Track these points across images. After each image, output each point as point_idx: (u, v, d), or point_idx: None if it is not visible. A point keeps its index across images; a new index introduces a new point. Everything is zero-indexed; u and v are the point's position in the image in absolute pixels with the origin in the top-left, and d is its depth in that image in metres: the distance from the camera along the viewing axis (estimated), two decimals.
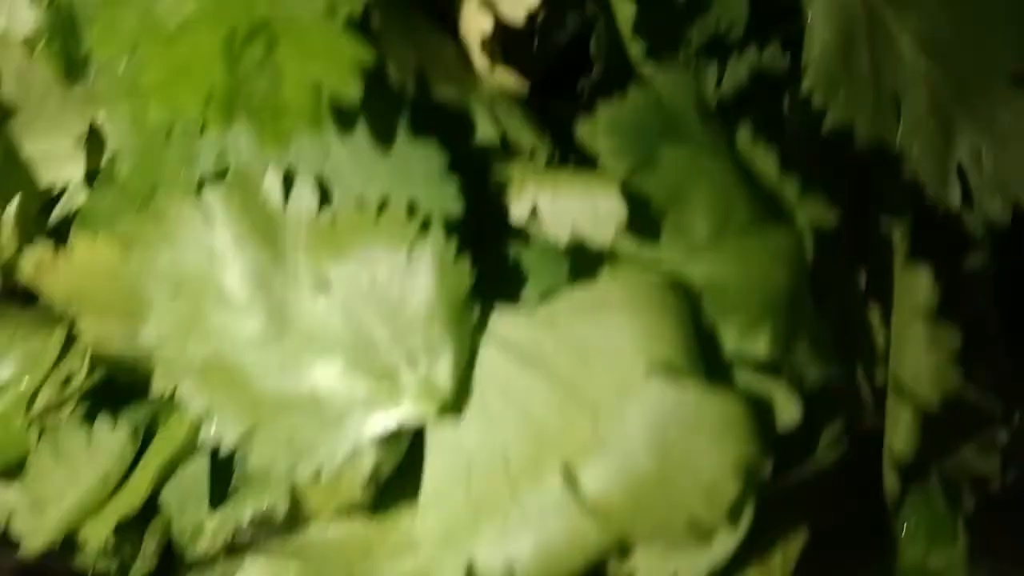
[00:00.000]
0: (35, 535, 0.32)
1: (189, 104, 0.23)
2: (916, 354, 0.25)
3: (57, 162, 0.32)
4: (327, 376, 0.26)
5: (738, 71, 0.27)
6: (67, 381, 0.33)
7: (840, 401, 0.25)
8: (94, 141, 0.31)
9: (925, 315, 0.25)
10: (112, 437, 0.31)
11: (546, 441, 0.24)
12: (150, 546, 0.32)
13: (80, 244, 0.28)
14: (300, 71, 0.23)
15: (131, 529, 0.32)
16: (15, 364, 0.34)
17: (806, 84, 0.26)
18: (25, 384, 0.34)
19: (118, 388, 0.31)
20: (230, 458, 0.30)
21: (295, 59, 0.23)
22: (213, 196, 0.26)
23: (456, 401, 0.25)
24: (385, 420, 0.25)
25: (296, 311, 0.26)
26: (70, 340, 0.33)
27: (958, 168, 0.27)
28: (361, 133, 0.25)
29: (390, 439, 0.26)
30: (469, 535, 0.24)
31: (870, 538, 0.28)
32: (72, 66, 0.30)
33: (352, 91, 0.23)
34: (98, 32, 0.25)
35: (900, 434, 0.25)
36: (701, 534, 0.23)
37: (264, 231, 0.26)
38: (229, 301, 0.26)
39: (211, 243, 0.26)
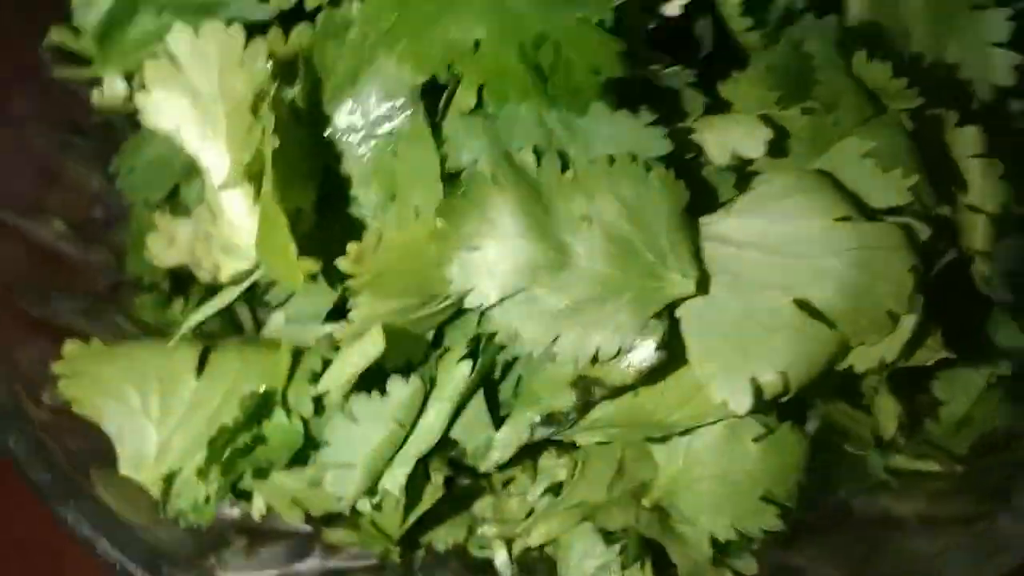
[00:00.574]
0: (346, 489, 0.39)
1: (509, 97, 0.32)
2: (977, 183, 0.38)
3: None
4: (603, 284, 0.35)
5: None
6: (312, 377, 0.40)
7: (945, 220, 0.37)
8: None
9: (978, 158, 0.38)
10: (401, 392, 0.39)
11: (775, 288, 0.35)
12: (439, 478, 0.40)
13: (390, 237, 0.36)
14: (584, 62, 0.33)
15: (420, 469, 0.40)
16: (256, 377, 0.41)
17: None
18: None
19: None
20: (495, 392, 0.39)
21: (578, 54, 0.33)
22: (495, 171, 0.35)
23: (700, 279, 0.36)
24: (655, 305, 0.35)
25: (567, 244, 0.35)
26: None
27: None
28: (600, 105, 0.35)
29: (658, 317, 0.36)
30: (744, 364, 0.35)
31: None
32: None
33: (619, 71, 0.33)
34: (412, 54, 0.33)
35: (980, 237, 0.38)
36: (894, 323, 0.35)
37: (528, 189, 0.35)
38: (516, 243, 0.35)
39: (495, 203, 0.35)
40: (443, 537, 0.44)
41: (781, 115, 0.37)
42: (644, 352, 0.36)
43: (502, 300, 0.35)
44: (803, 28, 0.38)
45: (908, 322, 0.36)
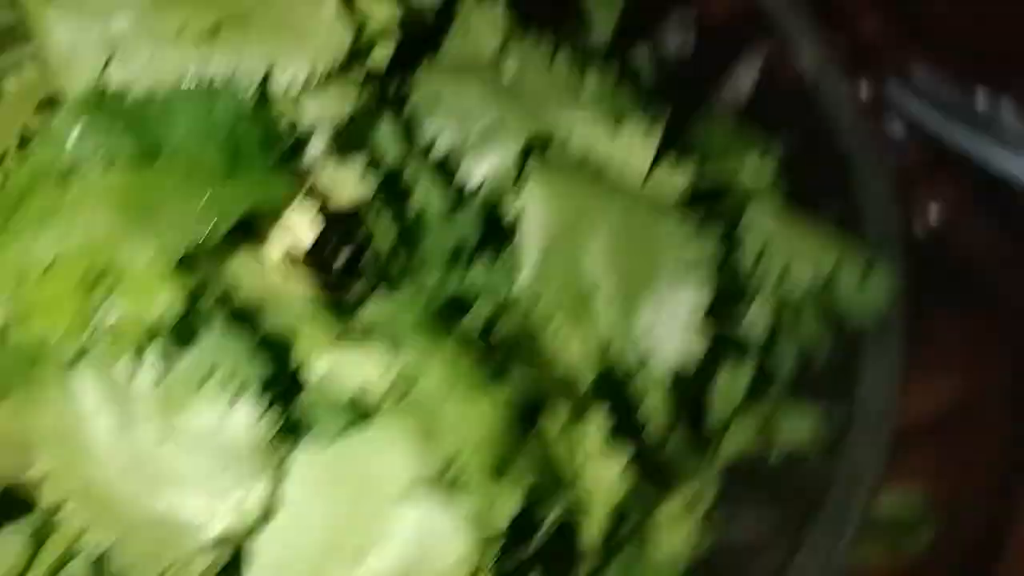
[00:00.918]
0: None
1: (54, 332, 0.33)
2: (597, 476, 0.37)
3: None
4: (172, 501, 0.36)
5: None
6: None
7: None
8: None
9: (600, 445, 0.36)
10: (11, 540, 0.40)
11: (339, 536, 0.35)
12: None
13: None
14: (133, 306, 0.34)
15: None
16: None
17: (520, 284, 0.38)
18: None
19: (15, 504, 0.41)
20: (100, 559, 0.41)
21: (130, 298, 0.34)
22: (79, 379, 0.36)
23: (262, 519, 0.36)
24: (212, 534, 0.36)
25: (146, 455, 0.36)
26: None
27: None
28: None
29: (217, 544, 0.36)
30: None
31: None
32: None
33: (171, 315, 0.34)
34: None
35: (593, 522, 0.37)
36: None
37: (119, 400, 0.36)
38: (96, 451, 0.36)
39: (79, 410, 0.36)
40: None
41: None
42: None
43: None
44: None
45: None
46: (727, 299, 0.41)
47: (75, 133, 0.36)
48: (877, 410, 0.41)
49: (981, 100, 0.69)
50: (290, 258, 0.37)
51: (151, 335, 0.34)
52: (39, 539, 0.41)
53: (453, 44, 0.43)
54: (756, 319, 0.42)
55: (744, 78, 0.52)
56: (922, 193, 0.73)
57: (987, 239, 0.68)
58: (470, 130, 0.41)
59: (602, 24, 0.53)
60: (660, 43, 0.55)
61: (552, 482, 0.37)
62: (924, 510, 0.63)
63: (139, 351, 0.35)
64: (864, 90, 0.70)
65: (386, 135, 0.39)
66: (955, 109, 0.69)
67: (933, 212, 0.73)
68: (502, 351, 0.38)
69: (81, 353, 0.35)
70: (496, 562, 0.35)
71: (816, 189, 0.47)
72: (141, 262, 0.34)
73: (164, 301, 0.33)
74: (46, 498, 0.37)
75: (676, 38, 0.55)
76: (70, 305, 0.34)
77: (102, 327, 0.33)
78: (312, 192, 0.37)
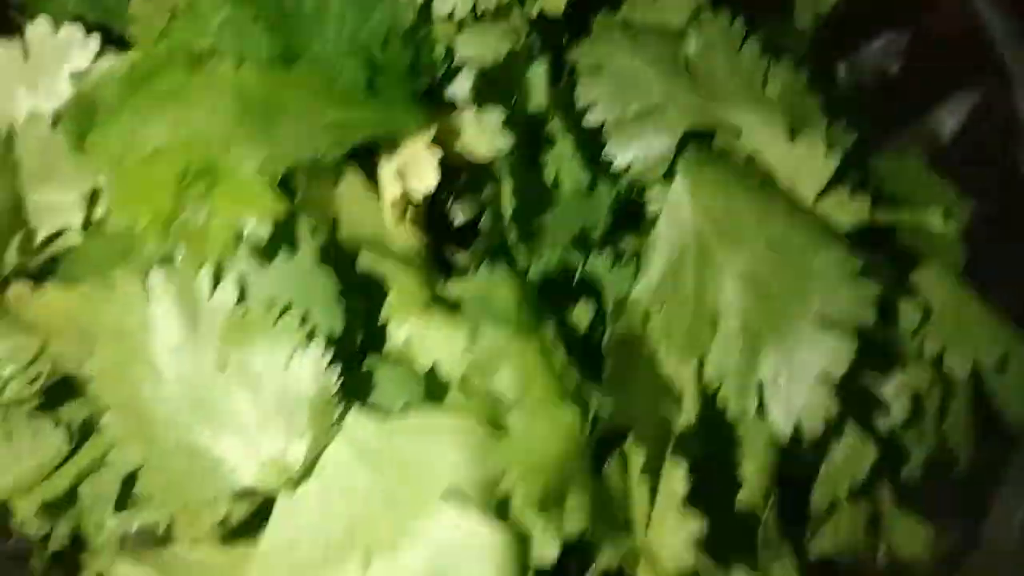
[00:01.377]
0: None
1: (141, 220, 0.31)
2: (665, 533, 0.32)
3: (60, 212, 0.40)
4: (210, 435, 0.34)
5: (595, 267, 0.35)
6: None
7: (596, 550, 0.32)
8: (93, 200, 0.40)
9: (678, 503, 0.32)
10: (53, 432, 0.39)
11: (357, 527, 0.32)
12: (63, 528, 0.41)
13: (53, 289, 0.36)
14: (226, 212, 0.31)
15: (54, 512, 0.40)
16: None
17: (637, 292, 0.34)
18: None
19: (66, 393, 0.40)
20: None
21: (224, 202, 0.31)
22: (156, 277, 0.34)
23: (299, 480, 0.33)
24: (241, 481, 0.33)
25: (199, 379, 0.34)
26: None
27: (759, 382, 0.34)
28: (280, 255, 0.33)
29: (243, 494, 0.34)
30: None
31: None
32: (82, 142, 0.38)
33: (262, 232, 0.31)
34: (95, 139, 0.33)
35: None
36: None
37: (190, 313, 0.34)
38: (152, 359, 0.34)
39: (145, 311, 0.34)
40: None
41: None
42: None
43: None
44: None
45: None
46: (871, 365, 0.35)
47: (218, 19, 0.33)
48: (1009, 540, 0.35)
49: None
50: (403, 203, 0.34)
51: (237, 248, 0.31)
52: (83, 435, 0.39)
53: (636, 9, 0.39)
54: (896, 397, 0.36)
55: (952, 115, 0.46)
56: None
57: None
58: (628, 105, 0.36)
59: (805, 18, 0.48)
60: (864, 62, 0.49)
61: (611, 529, 0.33)
62: None
63: (221, 267, 0.32)
64: None
65: (537, 91, 0.35)
66: None
67: None
68: (597, 363, 0.34)
69: (165, 254, 0.33)
70: None
71: (1002, 263, 0.41)
72: (248, 167, 0.31)
73: (261, 213, 0.30)
74: (92, 402, 0.36)
75: (884, 60, 0.48)
76: (163, 196, 0.31)
77: (191, 227, 0.31)
78: (444, 135, 0.33)
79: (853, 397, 0.34)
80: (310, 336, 0.33)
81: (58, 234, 0.40)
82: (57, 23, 0.44)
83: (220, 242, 0.31)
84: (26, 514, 0.40)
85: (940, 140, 0.47)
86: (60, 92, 0.41)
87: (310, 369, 0.33)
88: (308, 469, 0.33)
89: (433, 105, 0.35)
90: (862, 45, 0.51)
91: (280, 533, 0.33)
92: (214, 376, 0.34)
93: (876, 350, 0.35)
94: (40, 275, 0.40)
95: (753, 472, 0.35)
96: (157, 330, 0.34)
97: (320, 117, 0.32)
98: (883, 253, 0.36)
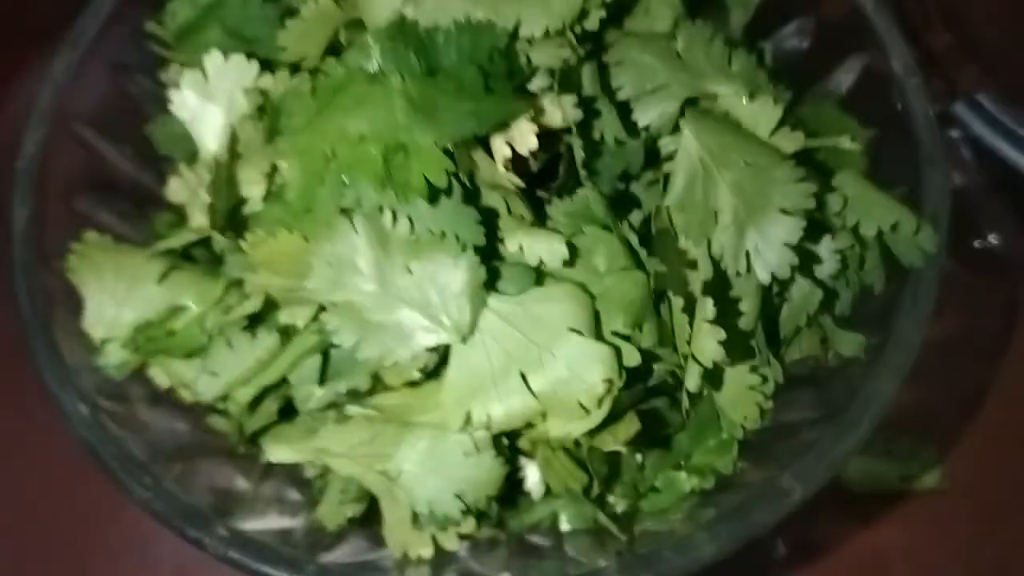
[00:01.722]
0: (209, 392, 0.58)
1: (367, 182, 0.50)
2: (702, 340, 0.53)
3: (251, 184, 0.59)
4: (405, 315, 0.53)
5: (635, 190, 0.55)
6: (227, 309, 0.60)
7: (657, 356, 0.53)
8: (273, 175, 0.58)
9: (708, 322, 0.52)
10: (268, 336, 0.57)
11: (512, 359, 0.52)
12: (272, 405, 0.59)
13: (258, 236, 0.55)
14: (417, 170, 0.50)
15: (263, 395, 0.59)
16: (193, 297, 0.61)
17: (667, 201, 0.54)
18: (196, 310, 0.60)
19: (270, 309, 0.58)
20: (326, 359, 0.57)
21: (417, 165, 0.50)
22: (356, 217, 0.52)
23: (467, 335, 0.52)
24: (434, 340, 0.52)
25: (392, 282, 0.53)
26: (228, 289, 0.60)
27: (746, 251, 0.55)
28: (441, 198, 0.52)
29: (433, 349, 0.53)
30: (470, 401, 0.52)
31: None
32: (272, 136, 0.56)
33: (440, 181, 0.50)
34: (314, 130, 0.52)
35: (692, 375, 0.53)
36: (584, 412, 0.51)
37: (380, 239, 0.53)
38: (359, 272, 0.53)
39: (353, 240, 0.53)
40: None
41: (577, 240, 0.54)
42: (418, 365, 0.53)
43: (335, 304, 0.53)
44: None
45: (595, 415, 0.51)
46: (813, 235, 0.56)
47: (378, 49, 0.52)
48: (908, 336, 0.57)
49: None
50: (510, 160, 0.54)
51: (419, 190, 0.50)
52: (286, 336, 0.58)
53: (637, 20, 0.59)
54: (830, 256, 0.58)
55: (848, 74, 0.67)
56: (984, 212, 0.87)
57: None
58: (645, 85, 0.57)
59: (737, 14, 0.69)
60: (783, 41, 0.71)
61: (667, 343, 0.54)
62: (936, 457, 0.80)
63: (395, 210, 0.51)
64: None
65: (589, 79, 0.55)
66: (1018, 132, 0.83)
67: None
68: (648, 247, 0.54)
69: (366, 203, 0.51)
70: (623, 389, 0.52)
71: (891, 167, 0.62)
72: (426, 143, 0.50)
73: (437, 169, 0.50)
74: (311, 306, 0.54)
75: (797, 38, 0.70)
76: (374, 166, 0.50)
77: (395, 179, 0.50)
78: (535, 114, 0.53)
79: (803, 256, 0.55)
80: (463, 247, 0.53)
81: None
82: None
83: (418, 187, 0.50)
84: (245, 399, 0.59)
85: (841, 92, 0.68)
86: (238, 105, 0.60)
87: (464, 267, 0.52)
88: (471, 329, 0.52)
89: (524, 94, 0.55)
90: (780, 28, 0.72)
91: (460, 368, 0.52)
92: (404, 277, 0.53)
93: (815, 226, 0.56)
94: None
95: (747, 307, 0.55)
96: (360, 254, 0.53)
97: (460, 107, 0.52)
98: (814, 166, 0.58)
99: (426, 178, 0.50)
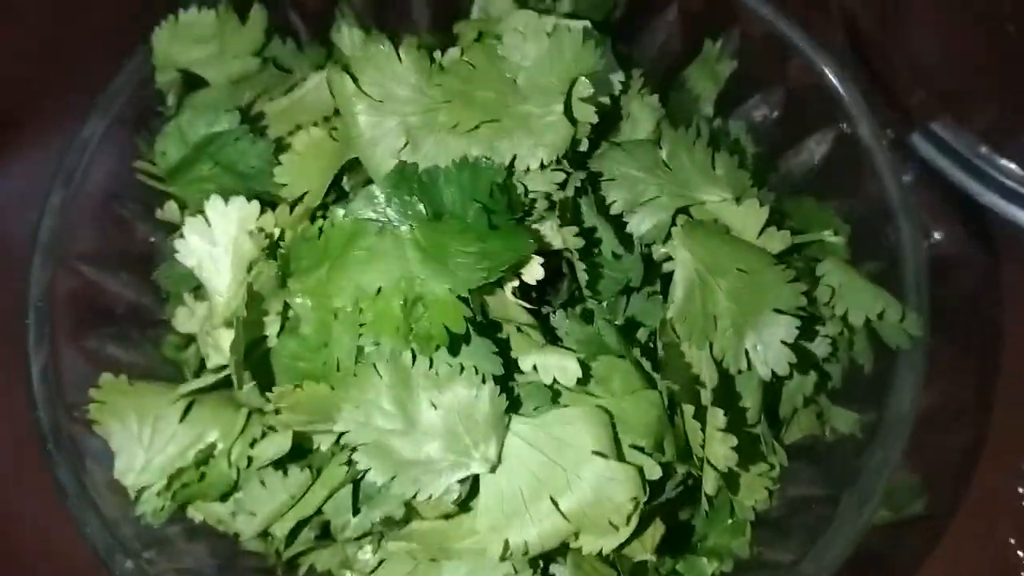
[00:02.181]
0: (248, 529, 0.61)
1: (388, 334, 0.53)
2: (715, 447, 0.57)
3: (267, 323, 0.61)
4: (434, 450, 0.56)
5: (636, 304, 0.59)
6: (252, 442, 0.62)
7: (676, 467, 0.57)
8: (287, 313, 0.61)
9: (720, 431, 0.56)
10: (298, 473, 0.60)
11: (541, 483, 0.55)
12: (310, 533, 0.62)
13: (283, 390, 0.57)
14: (436, 321, 0.53)
15: (299, 526, 0.62)
16: (217, 432, 0.63)
17: (670, 314, 0.58)
18: (221, 445, 0.63)
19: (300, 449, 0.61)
20: (357, 490, 0.61)
21: (435, 315, 0.53)
22: (380, 362, 0.55)
23: (496, 464, 0.56)
24: (464, 472, 0.56)
25: (418, 419, 0.56)
26: (250, 416, 0.63)
27: (745, 351, 0.58)
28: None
29: (464, 480, 0.56)
30: (505, 527, 0.55)
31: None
32: (284, 279, 0.59)
33: (458, 328, 0.53)
34: (333, 285, 0.54)
35: (710, 480, 0.57)
36: (613, 528, 0.55)
37: (401, 378, 0.56)
38: (385, 413, 0.56)
39: (376, 383, 0.56)
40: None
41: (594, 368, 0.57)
42: (451, 498, 0.57)
43: (366, 444, 0.56)
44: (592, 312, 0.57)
45: (624, 531, 0.55)
46: (807, 332, 0.60)
47: (384, 199, 0.55)
48: (902, 411, 0.61)
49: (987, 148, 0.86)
50: (517, 288, 0.57)
51: (440, 340, 0.53)
52: (316, 472, 0.61)
53: (621, 127, 0.62)
54: (821, 342, 0.62)
55: (820, 144, 0.71)
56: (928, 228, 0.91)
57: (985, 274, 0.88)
58: (637, 197, 0.60)
59: (704, 86, 0.72)
60: (751, 111, 0.74)
61: (685, 452, 0.58)
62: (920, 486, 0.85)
63: (415, 352, 0.54)
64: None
65: (585, 201, 0.58)
66: (963, 156, 0.86)
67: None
68: (654, 361, 0.58)
69: (386, 347, 0.54)
70: (647, 502, 0.56)
71: (867, 238, 0.67)
72: (443, 293, 0.53)
73: (455, 318, 0.53)
74: (342, 446, 0.57)
75: (766, 108, 0.73)
76: (395, 319, 0.53)
77: (416, 332, 0.53)
78: (538, 243, 0.56)
79: (800, 353, 0.59)
80: (483, 379, 0.56)
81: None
82: (197, 189, 0.65)
83: (438, 338, 0.53)
84: (284, 532, 0.62)
85: (814, 162, 0.72)
86: (244, 249, 0.62)
87: (487, 397, 0.56)
88: (498, 457, 0.56)
89: (526, 228, 0.57)
90: (749, 99, 0.76)
91: (491, 495, 0.56)
92: (427, 414, 0.56)
93: (808, 319, 0.60)
94: None
95: (751, 402, 0.60)
96: (384, 395, 0.56)
97: (469, 250, 0.55)
98: (802, 260, 0.62)
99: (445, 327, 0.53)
